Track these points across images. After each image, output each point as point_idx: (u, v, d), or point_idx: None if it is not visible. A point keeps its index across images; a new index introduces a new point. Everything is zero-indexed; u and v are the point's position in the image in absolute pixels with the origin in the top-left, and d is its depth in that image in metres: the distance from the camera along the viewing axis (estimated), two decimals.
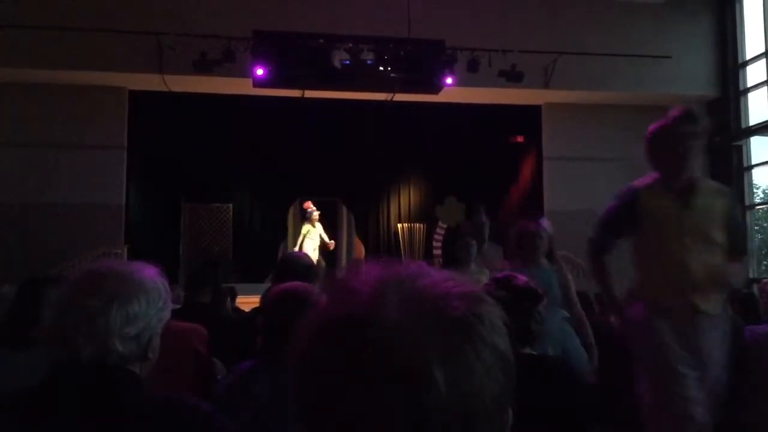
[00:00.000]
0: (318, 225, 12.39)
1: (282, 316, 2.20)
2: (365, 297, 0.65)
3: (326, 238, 12.45)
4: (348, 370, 0.61)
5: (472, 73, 10.70)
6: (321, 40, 10.60)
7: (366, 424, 0.59)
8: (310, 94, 11.66)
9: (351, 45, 10.54)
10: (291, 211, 14.72)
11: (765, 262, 13.10)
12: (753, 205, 12.44)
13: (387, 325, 0.62)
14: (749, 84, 12.31)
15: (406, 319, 0.62)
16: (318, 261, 11.77)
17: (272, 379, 2.17)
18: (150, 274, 1.48)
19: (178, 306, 4.67)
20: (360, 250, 14.97)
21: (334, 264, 13.84)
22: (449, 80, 10.87)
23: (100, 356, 1.36)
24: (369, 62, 10.56)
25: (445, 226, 15.08)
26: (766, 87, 11.89)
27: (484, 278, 5.24)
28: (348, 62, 10.47)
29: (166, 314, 1.49)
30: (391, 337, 0.61)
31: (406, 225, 15.25)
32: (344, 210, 15.32)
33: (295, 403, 0.66)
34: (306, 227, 12.35)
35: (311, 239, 12.24)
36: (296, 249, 11.98)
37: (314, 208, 12.40)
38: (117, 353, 1.38)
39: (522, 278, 2.59)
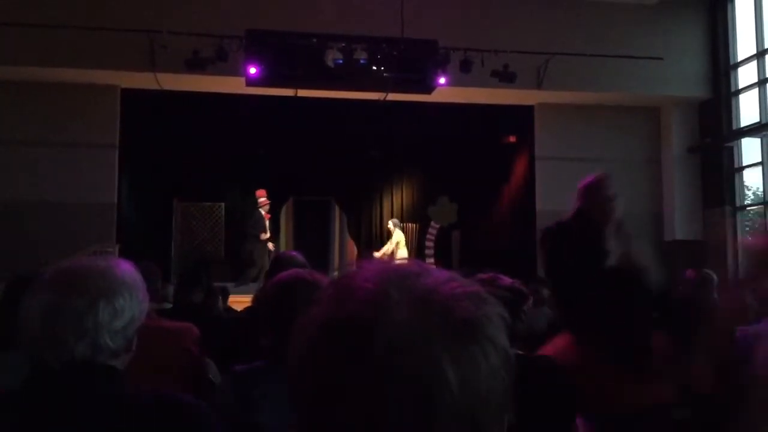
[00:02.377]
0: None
1: (290, 308, 2.02)
2: (370, 295, 0.64)
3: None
4: (356, 370, 0.59)
5: (464, 73, 10.72)
6: (314, 40, 10.59)
7: (374, 425, 0.58)
8: (303, 93, 11.64)
9: (344, 44, 10.53)
10: (283, 210, 14.70)
11: None
12: (744, 207, 12.50)
13: (397, 325, 0.61)
14: (740, 85, 12.37)
15: (416, 319, 0.61)
16: None
17: (278, 380, 2.04)
18: (126, 267, 1.49)
19: (169, 305, 4.66)
20: (352, 249, 14.96)
21: (326, 264, 13.83)
22: (442, 80, 10.88)
23: (92, 354, 1.37)
24: (362, 62, 10.56)
25: (437, 226, 15.10)
26: (757, 89, 11.95)
27: None
28: (341, 61, 10.46)
29: (146, 306, 1.51)
30: (402, 337, 0.60)
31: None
32: (337, 209, 15.31)
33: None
34: (400, 235, 12.56)
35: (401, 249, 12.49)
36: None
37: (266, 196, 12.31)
38: (108, 349, 1.39)
39: (507, 279, 2.61)
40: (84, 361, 1.36)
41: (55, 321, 1.35)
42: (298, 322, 0.68)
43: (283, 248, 14.46)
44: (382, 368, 0.59)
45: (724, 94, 12.41)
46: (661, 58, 11.78)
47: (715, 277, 4.12)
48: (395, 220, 12.81)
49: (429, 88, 11.21)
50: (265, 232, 11.89)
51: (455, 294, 0.65)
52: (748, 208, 12.80)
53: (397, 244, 12.44)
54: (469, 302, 0.64)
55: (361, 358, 0.60)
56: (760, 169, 11.99)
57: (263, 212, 11.95)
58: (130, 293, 1.44)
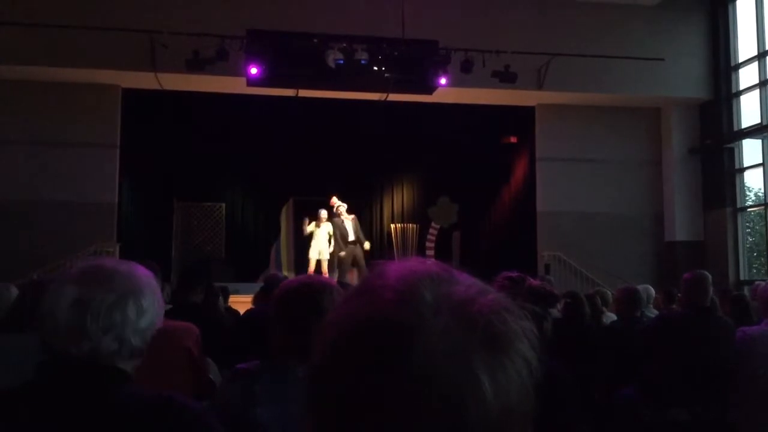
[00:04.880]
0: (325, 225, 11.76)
1: (300, 310, 2.06)
2: (405, 298, 0.62)
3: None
4: (391, 376, 0.58)
5: (465, 74, 10.72)
6: (315, 40, 10.59)
7: None
8: (303, 93, 11.64)
9: (345, 45, 10.53)
10: (284, 210, 14.71)
11: (756, 265, 13.16)
12: (744, 208, 12.49)
13: (437, 332, 0.59)
14: (741, 87, 12.37)
15: (456, 328, 0.60)
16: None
17: (280, 379, 2.07)
18: (145, 270, 1.53)
19: (169, 305, 4.66)
20: None
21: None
22: (443, 80, 10.88)
23: (118, 348, 1.40)
24: (363, 62, 10.55)
25: (438, 226, 15.10)
26: (758, 90, 11.95)
27: None
28: (342, 62, 10.46)
29: (162, 311, 1.54)
30: (442, 345, 0.59)
31: (399, 225, 15.26)
32: None
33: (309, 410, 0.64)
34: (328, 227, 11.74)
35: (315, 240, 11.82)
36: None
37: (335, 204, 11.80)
38: (129, 345, 1.42)
39: (535, 281, 2.60)
40: (105, 354, 1.39)
41: (86, 313, 1.38)
42: (322, 322, 0.66)
43: (283, 248, 14.49)
44: (419, 375, 0.58)
45: (725, 95, 12.41)
46: (662, 59, 11.78)
47: (710, 278, 4.12)
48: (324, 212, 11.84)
49: (430, 88, 11.21)
50: (344, 238, 11.63)
51: (493, 306, 0.64)
52: (749, 209, 12.80)
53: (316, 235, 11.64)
54: (507, 315, 0.64)
55: (397, 364, 0.58)
56: (761, 170, 11.98)
57: (341, 216, 11.63)
58: (153, 295, 1.48)
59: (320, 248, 11.61)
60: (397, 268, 0.67)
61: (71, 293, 1.40)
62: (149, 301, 1.46)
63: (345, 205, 11.74)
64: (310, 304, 2.05)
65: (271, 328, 2.19)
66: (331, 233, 11.59)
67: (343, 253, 11.41)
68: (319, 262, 11.53)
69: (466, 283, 0.66)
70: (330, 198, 11.87)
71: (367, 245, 11.65)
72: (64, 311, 1.38)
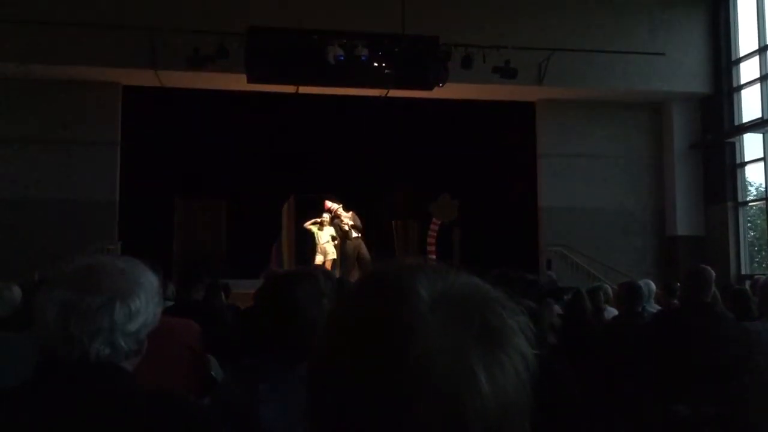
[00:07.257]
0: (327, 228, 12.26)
1: (289, 301, 2.06)
2: (402, 295, 0.63)
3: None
4: (390, 371, 0.59)
5: (466, 70, 10.71)
6: (315, 36, 10.59)
7: (402, 428, 0.58)
8: (304, 89, 11.64)
9: (345, 41, 10.53)
10: (285, 207, 14.70)
11: (757, 259, 13.16)
12: (746, 202, 12.48)
13: (430, 329, 0.60)
14: (742, 81, 12.35)
15: (452, 323, 0.61)
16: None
17: (282, 377, 2.07)
18: (143, 269, 1.48)
19: (171, 302, 4.67)
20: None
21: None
22: (443, 77, 10.86)
23: (107, 353, 1.37)
24: (363, 58, 10.55)
25: (438, 223, 15.09)
26: (759, 84, 11.93)
27: None
28: (342, 58, 10.46)
29: (159, 310, 1.50)
30: (438, 340, 0.60)
31: (399, 222, 15.25)
32: None
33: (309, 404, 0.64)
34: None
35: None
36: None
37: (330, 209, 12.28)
38: (121, 349, 1.38)
39: (532, 277, 2.60)
40: (97, 359, 1.36)
41: (71, 318, 1.34)
42: (324, 319, 0.68)
43: (284, 245, 14.50)
44: (417, 372, 0.59)
45: (726, 89, 12.40)
46: (662, 54, 11.76)
47: (713, 273, 4.10)
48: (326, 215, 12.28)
49: (430, 84, 11.20)
50: (347, 234, 12.05)
51: (488, 301, 0.65)
52: (750, 204, 12.79)
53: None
54: (502, 310, 0.65)
55: (395, 361, 0.59)
56: (762, 164, 11.98)
57: (342, 218, 12.09)
58: (146, 296, 1.43)
59: (324, 251, 12.04)
60: (394, 265, 0.68)
61: (59, 297, 1.36)
62: (141, 302, 1.41)
63: (340, 205, 12.02)
64: (289, 291, 2.06)
65: (263, 321, 2.19)
66: (334, 235, 11.95)
67: (348, 249, 11.77)
68: (323, 264, 11.78)
69: (461, 279, 0.67)
70: (324, 203, 12.12)
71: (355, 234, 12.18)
72: (53, 315, 1.35)
